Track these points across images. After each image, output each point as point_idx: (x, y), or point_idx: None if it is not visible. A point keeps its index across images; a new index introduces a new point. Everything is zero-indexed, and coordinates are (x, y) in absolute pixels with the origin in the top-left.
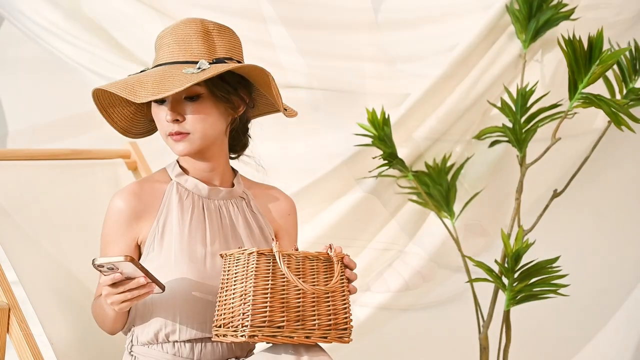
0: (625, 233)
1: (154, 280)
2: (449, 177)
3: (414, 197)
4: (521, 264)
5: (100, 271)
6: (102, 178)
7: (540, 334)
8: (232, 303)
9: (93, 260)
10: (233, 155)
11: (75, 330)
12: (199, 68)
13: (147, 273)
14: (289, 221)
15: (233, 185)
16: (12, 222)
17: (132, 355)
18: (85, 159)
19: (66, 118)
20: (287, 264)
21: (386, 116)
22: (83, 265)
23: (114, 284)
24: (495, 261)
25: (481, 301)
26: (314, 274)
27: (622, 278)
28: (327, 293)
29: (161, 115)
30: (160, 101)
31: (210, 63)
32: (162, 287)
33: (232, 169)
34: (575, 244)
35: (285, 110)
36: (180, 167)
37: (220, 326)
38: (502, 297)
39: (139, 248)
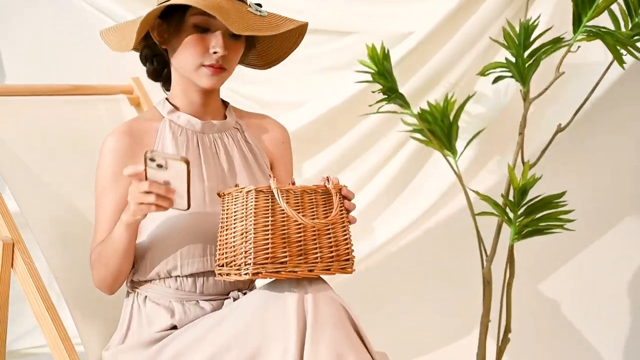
0: (630, 168)
1: (189, 195)
2: (452, 115)
3: (417, 135)
4: (527, 198)
5: (146, 164)
6: (105, 114)
7: (543, 269)
8: (234, 242)
9: (146, 152)
10: None
11: (79, 266)
12: (258, 11)
13: (188, 184)
14: (283, 149)
15: (225, 117)
16: (14, 158)
17: (134, 291)
18: (87, 94)
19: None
20: (286, 199)
21: (386, 51)
22: (86, 201)
23: (153, 183)
24: (502, 195)
25: (484, 237)
26: (313, 208)
27: (626, 213)
28: (328, 226)
29: (203, 45)
30: (203, 29)
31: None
32: (189, 206)
33: (223, 100)
34: (578, 179)
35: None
36: (170, 103)
37: (223, 265)
38: (506, 232)
39: None
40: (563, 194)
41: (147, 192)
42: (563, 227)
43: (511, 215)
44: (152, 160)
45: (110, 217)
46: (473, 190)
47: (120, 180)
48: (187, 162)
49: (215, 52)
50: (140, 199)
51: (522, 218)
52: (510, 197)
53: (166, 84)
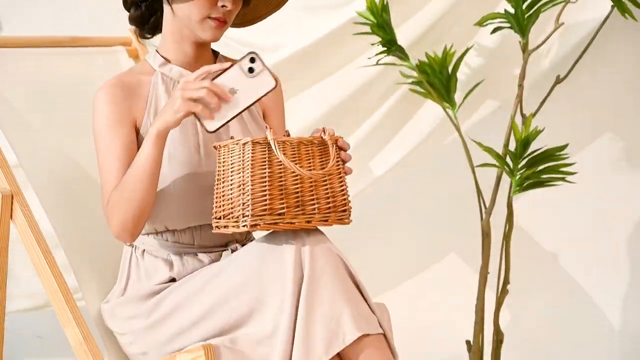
0: (629, 119)
1: (228, 121)
2: (451, 66)
3: (415, 87)
4: (529, 150)
5: (227, 69)
6: (103, 66)
7: (542, 221)
8: (231, 194)
9: (251, 51)
10: None
11: (79, 219)
12: None
13: (242, 111)
14: (276, 98)
15: None
16: (12, 110)
17: (132, 245)
18: (86, 46)
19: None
20: (283, 151)
21: (385, 2)
22: (85, 153)
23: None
24: (505, 146)
25: (482, 190)
26: (309, 159)
27: (626, 165)
28: (325, 177)
29: None
30: None
31: None
32: (215, 131)
33: (213, 51)
34: (578, 131)
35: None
36: (161, 56)
37: (220, 218)
38: (505, 184)
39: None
40: (565, 146)
41: (202, 88)
42: (564, 180)
43: (512, 167)
44: (252, 60)
45: (119, 164)
46: (475, 142)
47: (120, 127)
48: (276, 83)
49: (223, 6)
50: (191, 94)
51: (523, 170)
52: (512, 149)
53: (149, 31)
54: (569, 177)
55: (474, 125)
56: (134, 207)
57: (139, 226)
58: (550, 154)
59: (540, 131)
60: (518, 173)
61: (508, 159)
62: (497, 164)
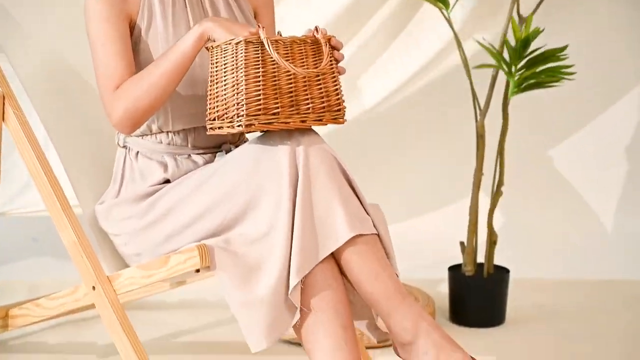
0: (628, 22)
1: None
2: None
3: None
4: (528, 50)
5: None
6: None
7: (537, 124)
8: (225, 94)
9: None
10: None
11: (72, 120)
12: None
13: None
14: None
15: None
16: (6, 16)
17: (125, 147)
18: None
19: None
20: (276, 49)
21: None
22: (77, 53)
23: None
24: (505, 44)
25: (477, 92)
26: (303, 58)
27: (624, 71)
28: (318, 75)
29: None
30: None
31: None
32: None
33: None
34: (575, 34)
35: None
36: None
37: (214, 119)
38: (500, 85)
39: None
40: (565, 47)
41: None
42: (562, 80)
43: (510, 67)
44: None
45: (118, 57)
46: (475, 40)
47: (115, 21)
48: None
49: None
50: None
51: (522, 71)
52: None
53: None
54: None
55: (469, 26)
56: (150, 99)
57: (144, 119)
58: (551, 54)
59: (541, 31)
60: (517, 74)
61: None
62: (496, 64)
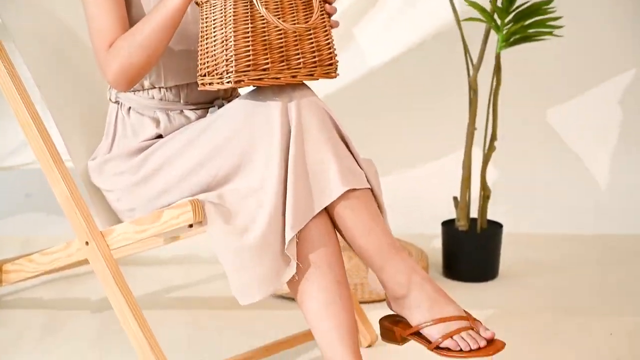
0: None
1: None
2: None
3: None
4: (515, 5)
5: None
6: None
7: (530, 77)
8: (214, 50)
9: None
10: None
11: (63, 77)
12: None
13: None
14: None
15: None
16: None
17: (117, 102)
18: None
19: None
20: (265, 4)
21: None
22: (71, 14)
23: None
24: (490, 1)
25: (470, 48)
26: (293, 12)
27: (614, 19)
28: (309, 30)
29: None
30: None
31: None
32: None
33: None
34: None
35: None
36: None
37: (205, 75)
38: (493, 40)
39: None
40: (552, 0)
41: None
42: (552, 34)
43: (499, 22)
44: None
45: (113, 13)
46: None
47: None
48: None
49: None
50: None
51: (510, 25)
52: (499, 4)
53: None
54: (556, 32)
55: None
56: (144, 54)
57: (139, 76)
58: (538, 8)
59: None
60: (505, 28)
61: (495, 16)
62: (484, 18)
